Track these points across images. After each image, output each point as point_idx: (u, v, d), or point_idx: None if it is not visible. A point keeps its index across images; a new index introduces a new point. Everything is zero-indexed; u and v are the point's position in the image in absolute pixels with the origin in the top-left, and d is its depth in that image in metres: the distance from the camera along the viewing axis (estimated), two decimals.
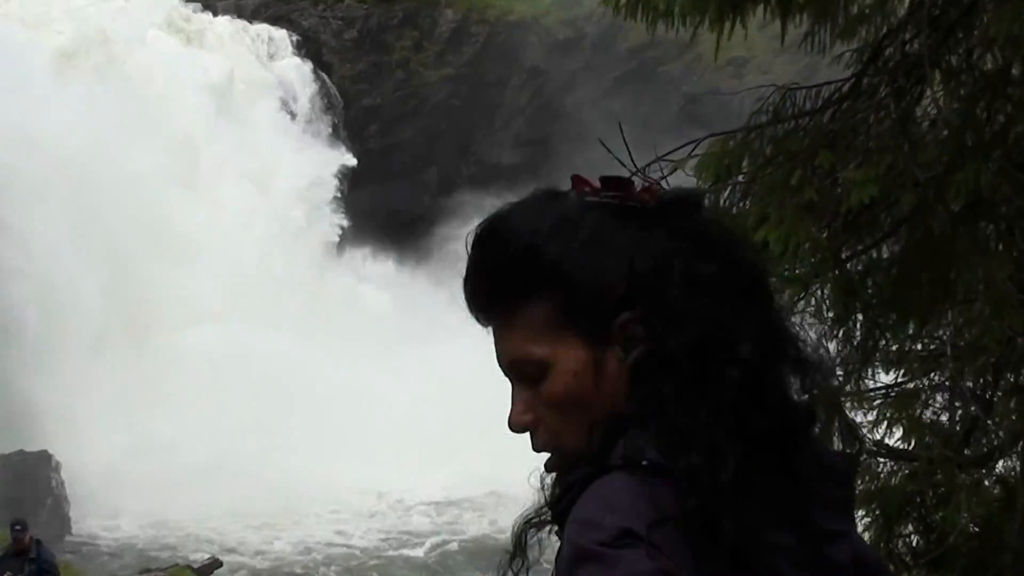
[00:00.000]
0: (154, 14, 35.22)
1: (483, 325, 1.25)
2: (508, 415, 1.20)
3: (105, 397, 25.02)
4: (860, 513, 5.25)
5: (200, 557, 19.73)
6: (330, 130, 38.85)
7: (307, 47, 40.77)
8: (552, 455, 1.21)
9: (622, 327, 1.17)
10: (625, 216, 1.20)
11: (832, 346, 3.97)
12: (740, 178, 4.21)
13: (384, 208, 37.39)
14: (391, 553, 22.32)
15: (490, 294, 1.22)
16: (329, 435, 24.74)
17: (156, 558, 20.57)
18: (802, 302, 3.85)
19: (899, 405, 5.01)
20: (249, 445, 23.99)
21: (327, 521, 23.93)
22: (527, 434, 1.22)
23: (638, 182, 1.25)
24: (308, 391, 26.08)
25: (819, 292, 3.92)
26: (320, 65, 40.35)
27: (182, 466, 23.13)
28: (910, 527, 5.79)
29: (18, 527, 10.10)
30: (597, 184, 1.23)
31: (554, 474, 1.23)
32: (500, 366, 1.22)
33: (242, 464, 23.56)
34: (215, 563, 19.00)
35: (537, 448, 1.21)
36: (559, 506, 1.13)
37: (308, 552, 22.24)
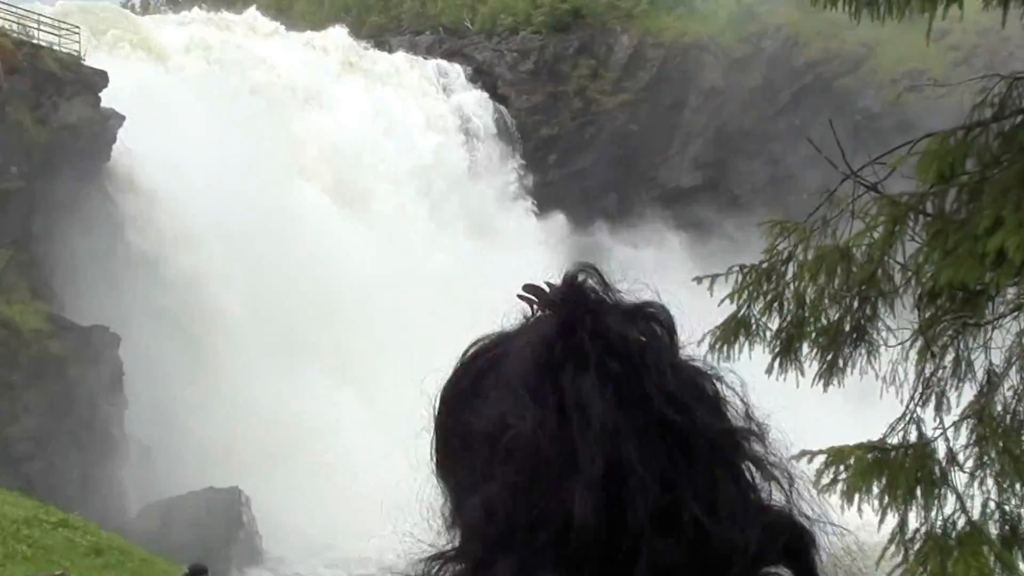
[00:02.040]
0: (333, 55, 36.37)
1: None
2: None
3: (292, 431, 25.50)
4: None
5: None
6: (512, 159, 39.25)
7: (482, 80, 41.17)
8: None
9: None
10: None
11: None
12: (964, 178, 3.64)
13: (564, 233, 37.43)
14: None
15: None
16: None
17: None
18: None
19: None
20: None
21: None
22: None
23: None
24: None
25: None
26: (496, 98, 40.66)
27: (374, 492, 23.20)
28: None
29: (188, 574, 10.07)
30: None
31: None
32: None
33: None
34: None
35: None
36: None
37: None
